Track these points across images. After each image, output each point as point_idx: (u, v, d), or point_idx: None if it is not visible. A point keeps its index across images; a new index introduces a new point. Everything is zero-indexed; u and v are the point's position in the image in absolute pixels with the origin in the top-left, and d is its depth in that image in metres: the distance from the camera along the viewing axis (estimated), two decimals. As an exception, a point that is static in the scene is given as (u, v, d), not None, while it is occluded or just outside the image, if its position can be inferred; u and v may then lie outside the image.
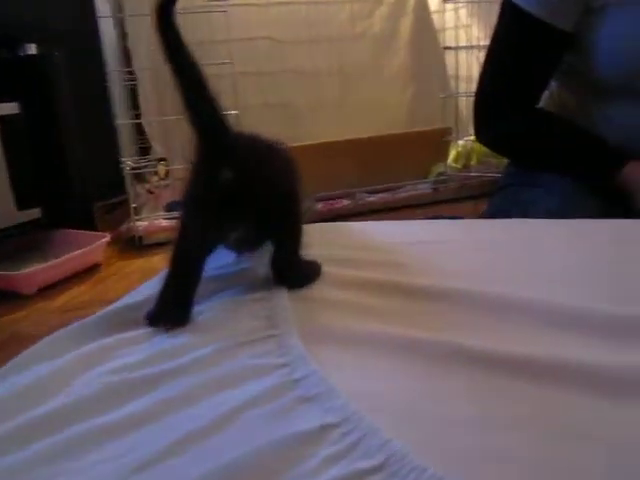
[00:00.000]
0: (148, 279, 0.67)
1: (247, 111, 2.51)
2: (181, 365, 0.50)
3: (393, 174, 2.45)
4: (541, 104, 1.16)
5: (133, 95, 2.62)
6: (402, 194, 2.45)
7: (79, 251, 1.89)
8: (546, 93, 1.16)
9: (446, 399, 0.43)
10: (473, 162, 2.52)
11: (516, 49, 1.10)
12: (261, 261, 0.65)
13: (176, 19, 0.54)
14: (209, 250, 0.62)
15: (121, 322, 0.59)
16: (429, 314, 0.56)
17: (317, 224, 0.79)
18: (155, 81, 2.54)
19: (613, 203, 1.03)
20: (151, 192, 2.70)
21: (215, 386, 0.46)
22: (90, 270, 1.93)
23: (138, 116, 2.63)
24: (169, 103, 2.50)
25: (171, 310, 0.57)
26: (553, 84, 1.17)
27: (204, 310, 0.59)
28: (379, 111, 2.82)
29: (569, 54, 1.08)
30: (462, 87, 2.53)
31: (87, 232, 2.07)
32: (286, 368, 0.48)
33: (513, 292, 0.57)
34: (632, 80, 1.03)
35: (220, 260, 0.68)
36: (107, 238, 2.00)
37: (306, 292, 0.62)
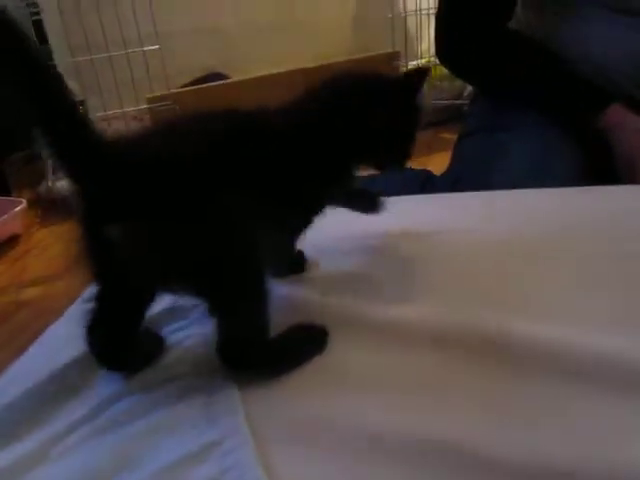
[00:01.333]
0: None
1: (171, 39, 2.23)
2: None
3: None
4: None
5: (38, 29, 2.27)
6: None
7: (-9, 223, 1.65)
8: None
9: None
10: (425, 88, 2.32)
11: None
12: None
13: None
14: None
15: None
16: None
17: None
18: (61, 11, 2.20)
19: (594, 149, 0.90)
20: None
21: None
22: (7, 243, 1.69)
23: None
24: (80, 35, 2.19)
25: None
26: (519, 6, 1.00)
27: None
28: (319, 32, 2.57)
29: None
30: (410, 3, 2.28)
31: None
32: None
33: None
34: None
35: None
36: (23, 204, 1.75)
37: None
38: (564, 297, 0.48)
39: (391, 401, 0.39)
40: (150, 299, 0.45)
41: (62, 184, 1.93)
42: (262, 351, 0.42)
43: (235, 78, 2.38)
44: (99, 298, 0.43)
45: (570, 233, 0.58)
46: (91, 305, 0.43)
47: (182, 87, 2.27)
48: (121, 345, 0.44)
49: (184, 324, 0.47)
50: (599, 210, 0.62)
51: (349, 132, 0.48)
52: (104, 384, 0.44)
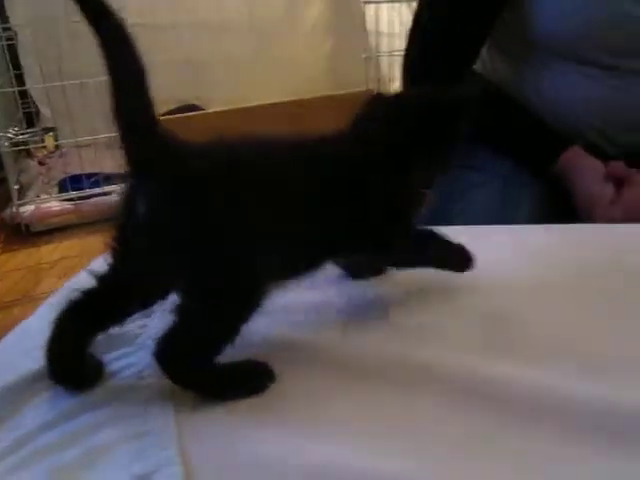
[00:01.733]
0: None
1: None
2: None
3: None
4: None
5: (12, 54, 2.25)
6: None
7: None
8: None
9: None
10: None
11: (450, 2, 0.95)
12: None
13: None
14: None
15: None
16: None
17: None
18: (35, 37, 2.19)
19: (555, 189, 0.92)
20: (42, 163, 2.39)
21: None
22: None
23: (19, 77, 2.28)
24: (53, 62, 2.18)
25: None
26: (484, 48, 1.03)
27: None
28: (295, 69, 2.60)
29: (507, 9, 0.92)
30: (383, 44, 2.34)
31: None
32: None
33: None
34: (578, 43, 0.89)
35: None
36: (-15, 229, 1.71)
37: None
38: (550, 338, 0.46)
39: (358, 446, 0.37)
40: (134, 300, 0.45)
41: (27, 209, 1.89)
42: (204, 364, 0.41)
43: (209, 110, 2.39)
44: (97, 283, 0.44)
45: (553, 272, 0.56)
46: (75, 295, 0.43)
47: (156, 117, 2.27)
48: (80, 347, 0.44)
49: (125, 352, 0.46)
50: (573, 246, 0.61)
51: (416, 148, 0.51)
52: (34, 412, 0.42)
